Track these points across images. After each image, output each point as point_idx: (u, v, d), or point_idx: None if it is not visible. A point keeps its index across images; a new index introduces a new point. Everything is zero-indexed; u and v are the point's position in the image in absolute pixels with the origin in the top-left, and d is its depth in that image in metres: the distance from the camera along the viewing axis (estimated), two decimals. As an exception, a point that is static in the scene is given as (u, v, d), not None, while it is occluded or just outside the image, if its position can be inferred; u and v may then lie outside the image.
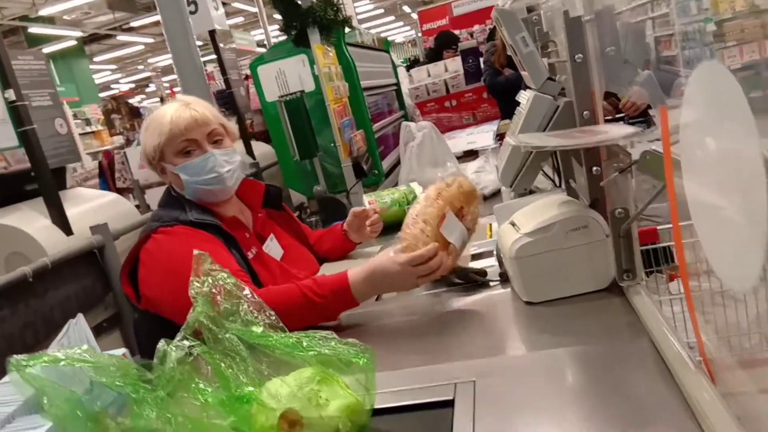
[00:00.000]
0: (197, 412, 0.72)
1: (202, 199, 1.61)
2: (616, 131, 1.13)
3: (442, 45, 5.90)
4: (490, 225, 1.97)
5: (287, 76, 2.64)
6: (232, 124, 1.73)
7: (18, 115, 2.47)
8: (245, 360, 0.79)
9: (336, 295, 1.32)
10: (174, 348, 0.76)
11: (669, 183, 0.80)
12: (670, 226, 1.87)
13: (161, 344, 0.75)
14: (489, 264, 1.55)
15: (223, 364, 0.78)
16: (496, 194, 2.44)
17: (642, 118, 2.78)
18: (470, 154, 3.25)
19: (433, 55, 5.94)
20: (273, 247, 1.76)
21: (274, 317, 0.89)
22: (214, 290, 0.86)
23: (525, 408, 0.91)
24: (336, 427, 0.83)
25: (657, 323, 0.99)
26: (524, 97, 1.53)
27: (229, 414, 0.74)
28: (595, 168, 1.24)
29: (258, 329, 0.89)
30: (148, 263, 1.49)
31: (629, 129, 1.12)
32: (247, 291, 0.89)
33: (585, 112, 1.25)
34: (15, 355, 0.62)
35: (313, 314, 1.33)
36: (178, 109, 1.55)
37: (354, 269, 1.35)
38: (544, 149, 1.21)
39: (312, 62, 2.67)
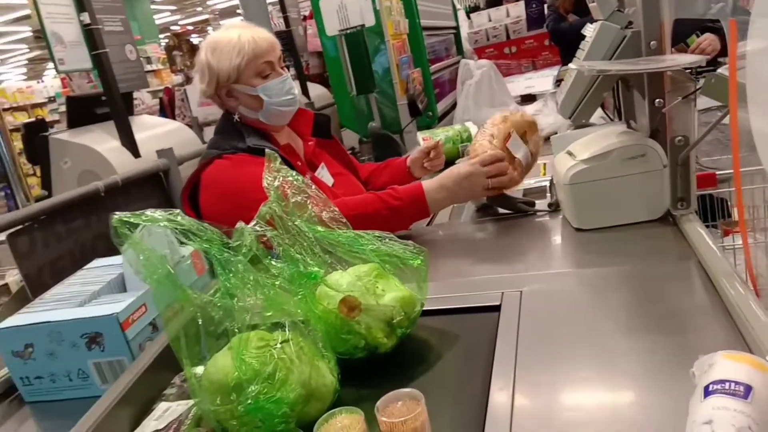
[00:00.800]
0: (270, 285, 0.79)
1: (271, 123, 1.64)
2: (683, 58, 1.12)
3: None
4: (544, 164, 1.99)
5: (348, 10, 2.64)
6: None
7: (92, 38, 2.59)
8: (312, 244, 0.86)
9: (412, 199, 1.42)
10: (250, 230, 0.83)
11: (732, 98, 0.81)
12: (729, 172, 1.84)
13: (239, 224, 0.82)
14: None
15: (292, 249, 0.85)
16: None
17: (711, 67, 2.68)
18: (528, 99, 3.21)
19: (493, 2, 5.78)
20: (324, 176, 1.81)
21: (336, 212, 0.95)
22: (284, 185, 0.93)
23: (568, 316, 0.96)
24: (390, 316, 0.90)
25: (706, 245, 1.01)
26: (590, 28, 1.51)
27: (297, 288, 0.81)
28: (657, 100, 1.23)
29: (322, 228, 0.95)
30: (210, 186, 1.55)
31: (696, 57, 1.11)
32: (313, 188, 0.95)
33: (652, 42, 1.24)
34: (117, 212, 0.70)
35: (390, 220, 1.42)
36: (252, 31, 1.57)
37: (426, 180, 1.45)
38: (609, 72, 1.21)
39: (374, -3, 2.68)
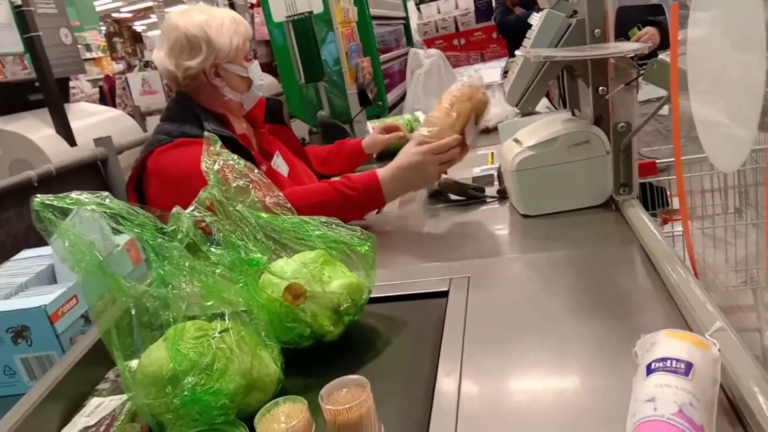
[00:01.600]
0: (209, 273, 0.76)
1: (247, 106, 1.62)
2: (626, 45, 1.14)
3: None
4: (492, 153, 2.00)
5: (296, -4, 2.59)
6: None
7: (23, 20, 2.45)
8: (255, 230, 0.82)
9: (367, 189, 1.38)
10: (187, 215, 0.79)
11: (674, 82, 0.82)
12: (669, 160, 1.89)
13: (175, 209, 0.78)
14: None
15: (234, 236, 0.82)
16: (500, 127, 2.45)
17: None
18: (476, 90, 3.23)
19: None
20: (280, 164, 1.76)
21: (281, 197, 0.92)
22: (225, 169, 0.89)
23: (515, 300, 0.96)
24: (337, 303, 0.87)
25: (648, 229, 1.03)
26: (537, 17, 1.53)
27: (239, 276, 0.78)
28: (601, 87, 1.25)
29: (265, 214, 0.91)
30: (160, 174, 1.46)
31: (639, 44, 1.13)
32: (256, 172, 0.92)
33: (596, 30, 1.25)
34: (39, 195, 0.65)
35: (345, 210, 1.37)
36: (235, 13, 1.57)
37: (380, 169, 1.41)
38: (555, 59, 1.22)
39: (322, -17, 2.63)
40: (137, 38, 7.88)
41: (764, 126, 0.67)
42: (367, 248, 0.94)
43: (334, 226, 0.94)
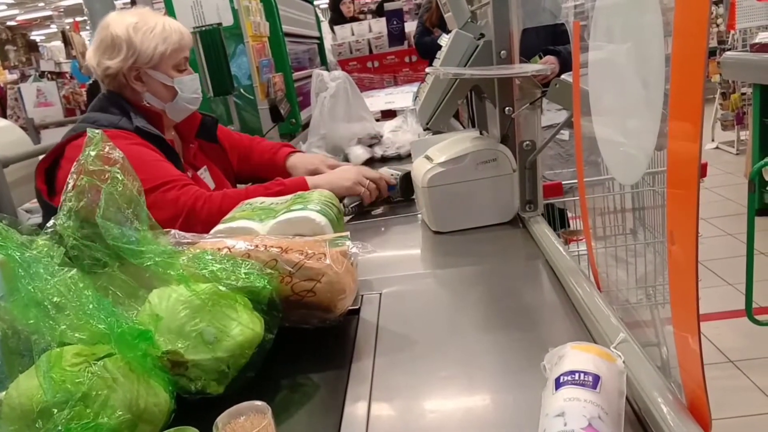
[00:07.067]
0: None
1: (172, 117, 1.58)
2: (530, 67, 1.17)
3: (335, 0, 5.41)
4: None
5: (204, 7, 2.50)
6: None
7: None
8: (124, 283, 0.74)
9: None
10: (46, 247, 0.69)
11: (576, 100, 0.84)
12: (572, 182, 1.96)
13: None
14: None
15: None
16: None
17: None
18: (388, 115, 3.24)
19: (336, 17, 5.43)
20: (206, 177, 1.72)
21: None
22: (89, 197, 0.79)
23: (424, 315, 0.95)
24: (226, 365, 0.76)
25: (552, 245, 1.05)
26: (446, 38, 1.55)
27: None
28: (507, 108, 1.28)
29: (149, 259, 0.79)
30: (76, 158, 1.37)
31: (542, 66, 1.16)
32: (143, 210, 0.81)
33: (502, 51, 1.28)
34: None
35: None
36: (174, 21, 1.52)
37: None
38: (464, 76, 1.24)
39: (232, -5, 2.56)
40: (32, 47, 7.38)
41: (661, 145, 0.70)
42: (264, 284, 0.84)
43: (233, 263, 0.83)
